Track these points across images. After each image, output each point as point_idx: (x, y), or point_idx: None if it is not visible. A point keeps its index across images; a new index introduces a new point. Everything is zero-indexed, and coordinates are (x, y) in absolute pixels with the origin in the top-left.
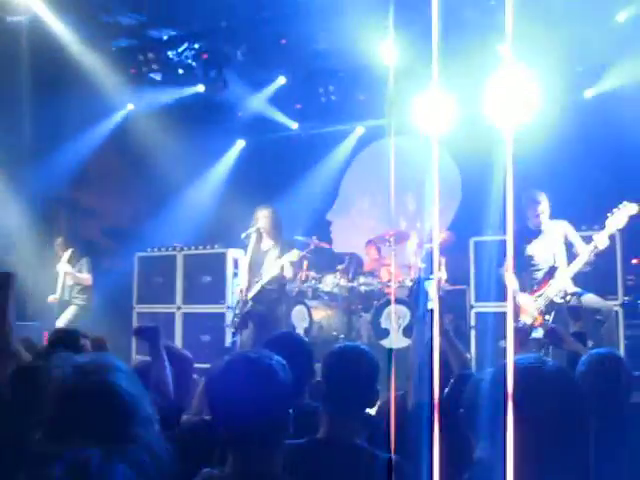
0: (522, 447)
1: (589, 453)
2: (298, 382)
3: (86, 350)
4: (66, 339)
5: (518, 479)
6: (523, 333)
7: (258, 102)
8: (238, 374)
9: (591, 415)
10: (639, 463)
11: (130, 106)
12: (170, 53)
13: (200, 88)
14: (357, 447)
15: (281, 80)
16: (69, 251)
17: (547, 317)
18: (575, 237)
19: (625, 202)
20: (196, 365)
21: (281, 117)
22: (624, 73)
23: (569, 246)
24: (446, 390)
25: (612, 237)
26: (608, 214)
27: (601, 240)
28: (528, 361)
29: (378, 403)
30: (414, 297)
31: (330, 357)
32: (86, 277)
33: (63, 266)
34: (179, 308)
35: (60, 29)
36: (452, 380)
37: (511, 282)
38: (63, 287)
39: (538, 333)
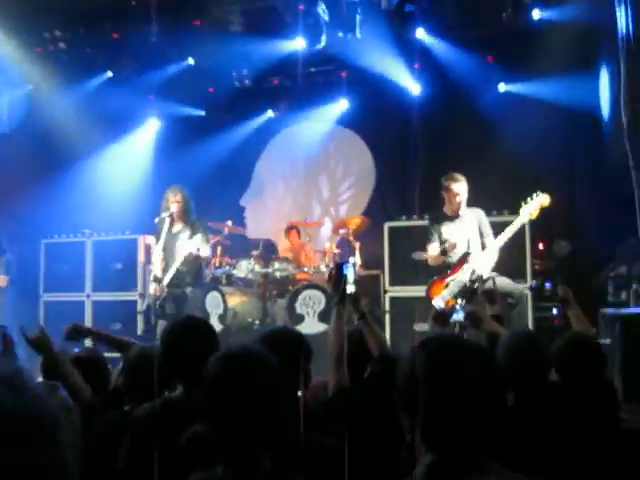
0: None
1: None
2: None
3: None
4: None
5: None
6: (444, 316)
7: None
8: (238, 375)
9: (509, 391)
10: (557, 439)
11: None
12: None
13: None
14: None
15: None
16: None
17: (459, 301)
18: (486, 228)
19: (539, 192)
20: (107, 355)
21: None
22: None
23: (481, 235)
24: (367, 373)
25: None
26: (522, 202)
27: (503, 239)
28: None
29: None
30: (335, 281)
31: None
32: (2, 279)
33: None
34: (88, 296)
35: None
36: (373, 362)
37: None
38: None
39: (459, 316)
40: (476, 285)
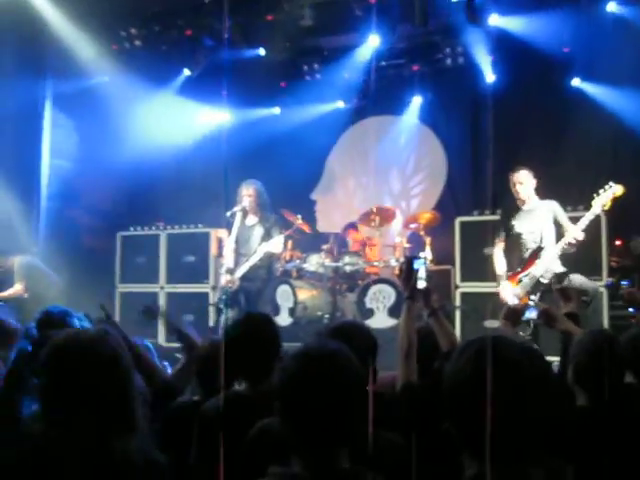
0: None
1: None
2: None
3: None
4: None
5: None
6: (516, 313)
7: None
8: (315, 373)
9: (583, 392)
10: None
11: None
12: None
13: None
14: None
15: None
16: None
17: (532, 297)
18: (563, 217)
19: (611, 183)
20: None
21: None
22: None
23: (557, 226)
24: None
25: (597, 218)
26: (594, 194)
27: (585, 222)
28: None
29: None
30: (405, 276)
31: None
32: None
33: None
34: (162, 288)
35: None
36: (442, 358)
37: (499, 264)
38: None
39: (532, 313)
40: (550, 281)
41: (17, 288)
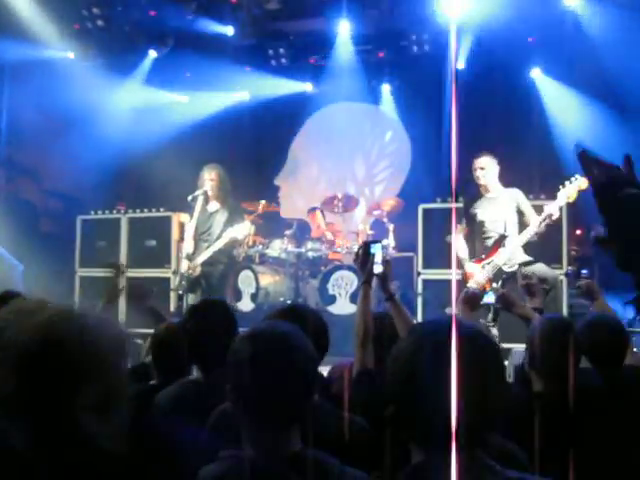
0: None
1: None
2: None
3: None
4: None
5: None
6: (475, 298)
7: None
8: (263, 353)
9: (540, 378)
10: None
11: (70, 54)
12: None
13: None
14: None
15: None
16: None
17: (494, 285)
18: (526, 206)
19: (577, 175)
20: (139, 330)
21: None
22: None
23: (520, 215)
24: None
25: (560, 208)
26: (560, 186)
27: (553, 211)
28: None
29: (329, 367)
30: (362, 260)
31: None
32: None
33: None
34: (123, 272)
35: None
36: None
37: (461, 249)
38: None
39: (490, 298)
40: (512, 269)
41: None
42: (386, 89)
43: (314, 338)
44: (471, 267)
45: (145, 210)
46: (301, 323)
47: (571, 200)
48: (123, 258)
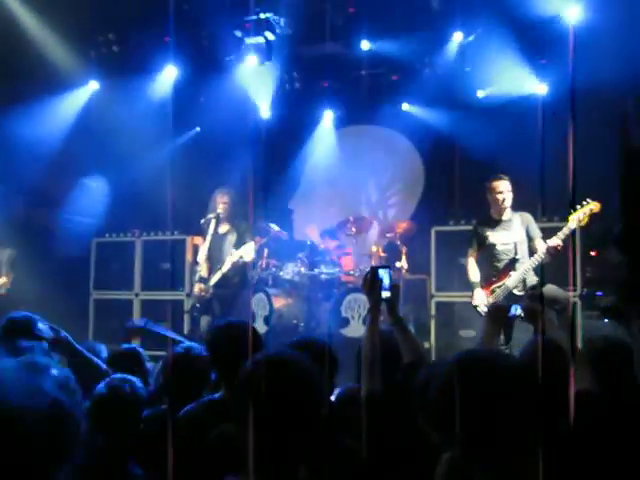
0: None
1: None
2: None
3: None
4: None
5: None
6: (500, 311)
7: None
8: (275, 379)
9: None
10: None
11: (93, 85)
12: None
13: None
14: None
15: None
16: None
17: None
18: (535, 231)
19: (588, 199)
20: (153, 353)
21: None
22: None
23: (528, 239)
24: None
25: (573, 231)
26: (571, 210)
27: (555, 244)
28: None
29: (338, 390)
30: (370, 286)
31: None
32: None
33: None
34: (137, 295)
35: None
36: (405, 368)
37: (473, 273)
38: None
39: (517, 310)
40: (524, 292)
41: (4, 280)
42: (399, 111)
43: (324, 368)
44: (479, 295)
45: (159, 233)
46: (309, 353)
47: (583, 224)
48: (137, 281)
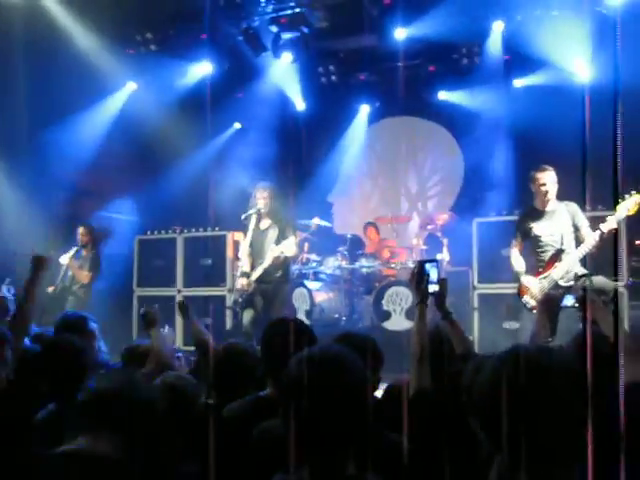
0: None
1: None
2: None
3: (93, 336)
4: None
5: None
6: (552, 301)
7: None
8: (316, 375)
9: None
10: None
11: (131, 85)
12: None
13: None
14: None
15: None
16: (74, 249)
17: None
18: (582, 220)
19: (633, 191)
20: (193, 348)
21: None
22: None
23: (575, 229)
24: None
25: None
26: (619, 199)
27: (608, 226)
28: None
29: (384, 387)
30: (417, 280)
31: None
32: (85, 275)
33: (65, 258)
34: (179, 291)
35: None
36: (456, 362)
37: (517, 263)
38: (63, 278)
39: (569, 301)
40: (569, 284)
41: (89, 274)
42: (439, 102)
43: (368, 361)
44: (528, 280)
45: (200, 229)
46: (354, 346)
47: (631, 213)
48: (179, 277)
